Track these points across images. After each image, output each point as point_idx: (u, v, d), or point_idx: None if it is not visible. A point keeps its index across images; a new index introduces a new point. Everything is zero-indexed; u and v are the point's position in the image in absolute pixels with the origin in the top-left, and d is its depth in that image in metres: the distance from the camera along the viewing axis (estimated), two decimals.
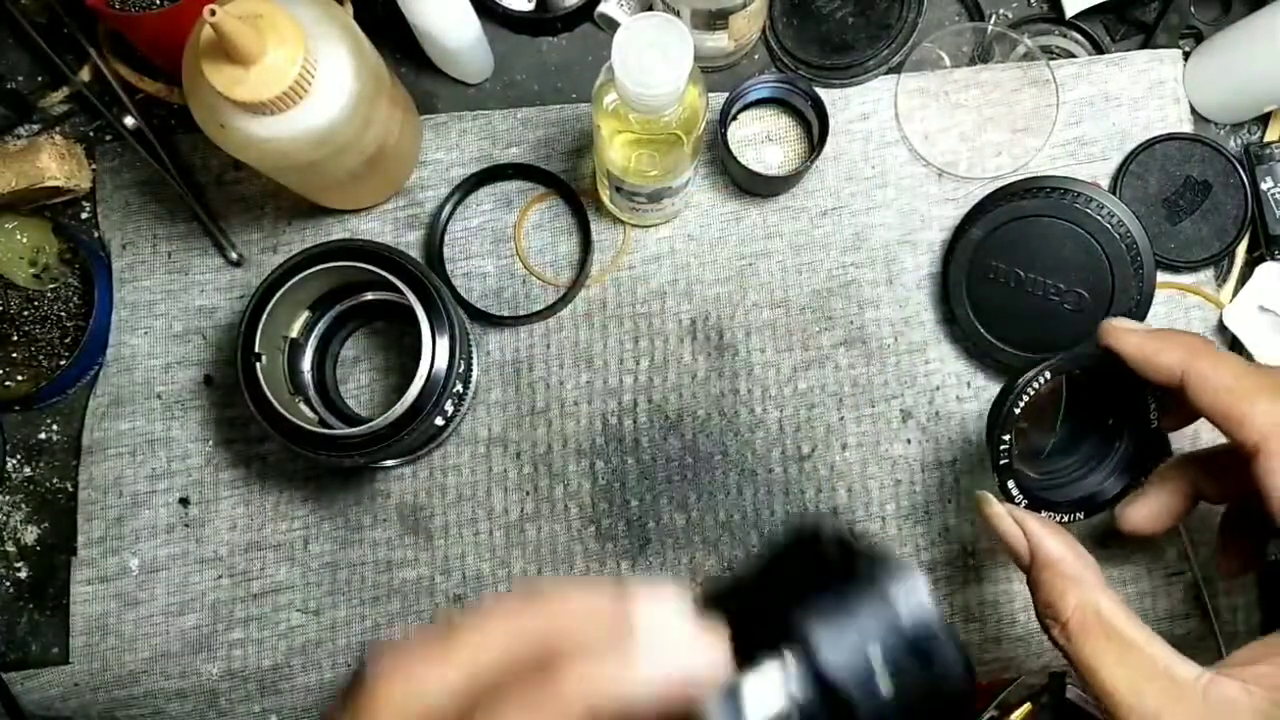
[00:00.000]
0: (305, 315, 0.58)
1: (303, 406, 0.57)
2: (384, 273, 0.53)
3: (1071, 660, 0.36)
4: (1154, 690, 0.33)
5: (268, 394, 0.52)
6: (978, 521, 0.48)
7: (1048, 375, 0.43)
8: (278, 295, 0.53)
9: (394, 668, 0.23)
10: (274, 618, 0.61)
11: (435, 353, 0.53)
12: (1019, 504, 0.44)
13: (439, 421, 0.55)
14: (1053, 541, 0.39)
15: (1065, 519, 0.46)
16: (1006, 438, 0.44)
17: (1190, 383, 0.38)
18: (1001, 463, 0.44)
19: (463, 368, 0.55)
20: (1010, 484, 0.45)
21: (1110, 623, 0.36)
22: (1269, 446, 0.35)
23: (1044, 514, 0.44)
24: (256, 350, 0.53)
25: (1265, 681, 0.32)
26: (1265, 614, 0.60)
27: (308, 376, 0.59)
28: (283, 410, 0.52)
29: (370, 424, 0.52)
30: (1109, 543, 0.59)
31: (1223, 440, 0.40)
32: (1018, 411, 0.43)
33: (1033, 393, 0.43)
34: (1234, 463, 0.41)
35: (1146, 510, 0.45)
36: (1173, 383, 0.39)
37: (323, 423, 0.58)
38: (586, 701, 0.21)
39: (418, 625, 0.61)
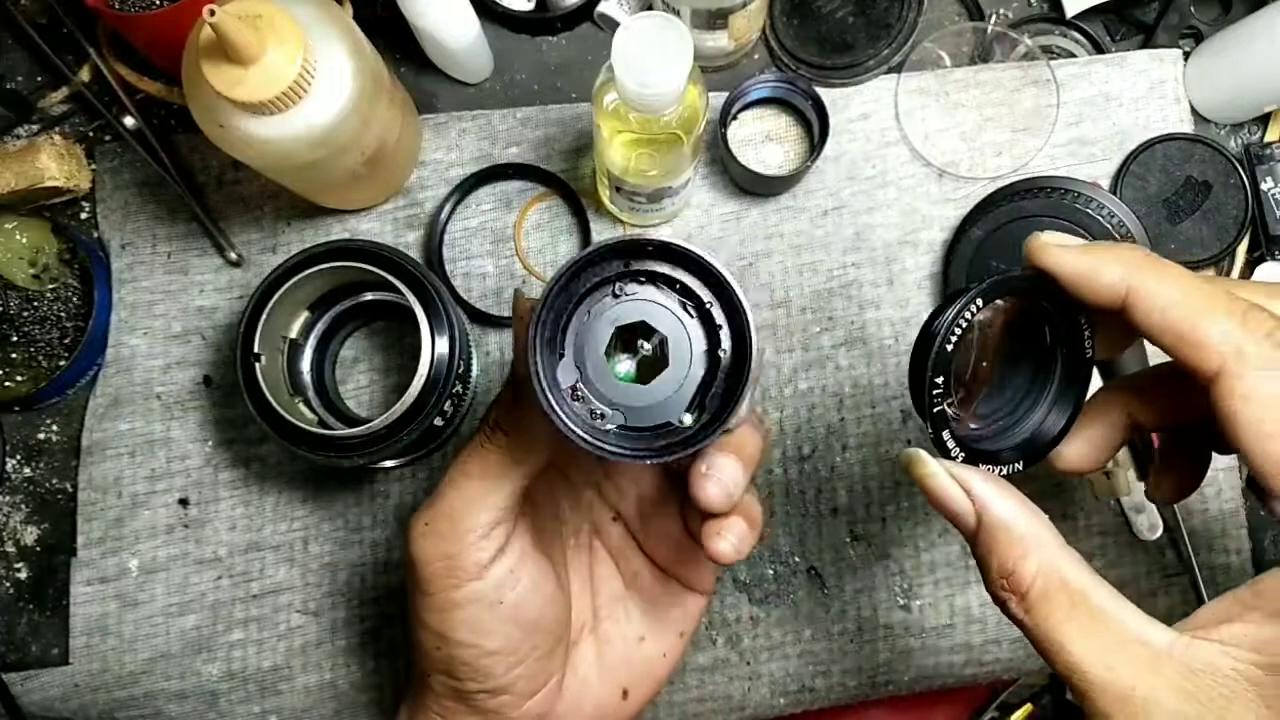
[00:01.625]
0: (304, 315, 0.58)
1: (302, 407, 0.57)
2: (383, 273, 0.53)
3: (1032, 634, 0.33)
4: (1127, 661, 0.30)
5: (267, 395, 0.52)
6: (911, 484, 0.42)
7: (978, 304, 0.36)
8: (277, 295, 0.53)
9: None
10: (274, 619, 0.61)
11: (435, 353, 0.53)
12: (956, 459, 0.37)
13: (438, 422, 0.55)
14: (1003, 500, 0.34)
15: (1006, 471, 0.39)
16: (940, 380, 0.36)
17: (1135, 302, 0.33)
18: (935, 410, 0.37)
19: (462, 368, 0.55)
20: (946, 436, 0.37)
21: (1075, 588, 0.32)
22: (1230, 368, 0.31)
23: (984, 468, 0.37)
24: (256, 351, 0.53)
25: (1244, 642, 0.30)
26: None
27: (307, 377, 0.59)
28: (282, 411, 0.52)
29: (370, 424, 0.52)
30: (1105, 547, 0.59)
31: (1162, 361, 0.36)
32: (949, 349, 0.36)
33: (964, 325, 0.36)
34: (1176, 387, 0.38)
35: (1081, 446, 0.41)
36: (1114, 303, 0.34)
37: (322, 423, 0.58)
38: None
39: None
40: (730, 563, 0.39)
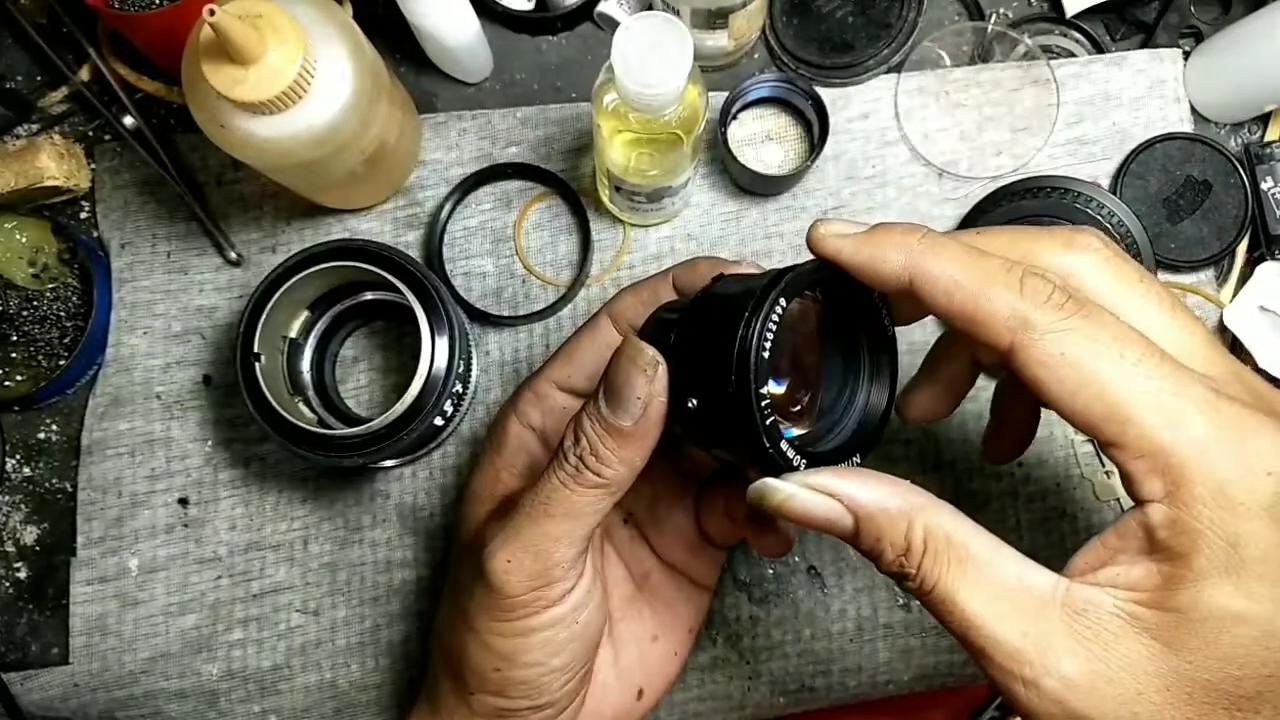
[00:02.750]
0: (304, 315, 0.58)
1: (302, 407, 0.57)
2: (383, 272, 0.53)
3: (930, 599, 0.32)
4: (1014, 612, 0.30)
5: (267, 394, 0.52)
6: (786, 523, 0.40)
7: (783, 305, 0.34)
8: (277, 295, 0.53)
9: None
10: (274, 618, 0.61)
11: (435, 353, 0.53)
12: (798, 468, 0.35)
13: (438, 422, 0.55)
14: (867, 487, 0.33)
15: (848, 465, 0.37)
16: (765, 391, 0.33)
17: (919, 289, 0.33)
18: (768, 423, 0.33)
19: (462, 368, 0.55)
20: (785, 448, 0.34)
21: (958, 543, 0.32)
22: (1020, 340, 0.31)
23: (834, 467, 0.35)
24: (256, 350, 0.53)
25: (1119, 581, 0.30)
26: None
27: (307, 376, 0.59)
28: (282, 410, 0.52)
29: (369, 424, 0.52)
30: None
31: None
32: (766, 356, 0.33)
33: (774, 329, 0.34)
34: None
35: (930, 395, 0.41)
36: (901, 289, 0.34)
37: (322, 423, 0.58)
38: None
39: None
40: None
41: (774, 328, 0.33)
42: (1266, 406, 0.31)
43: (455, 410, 0.57)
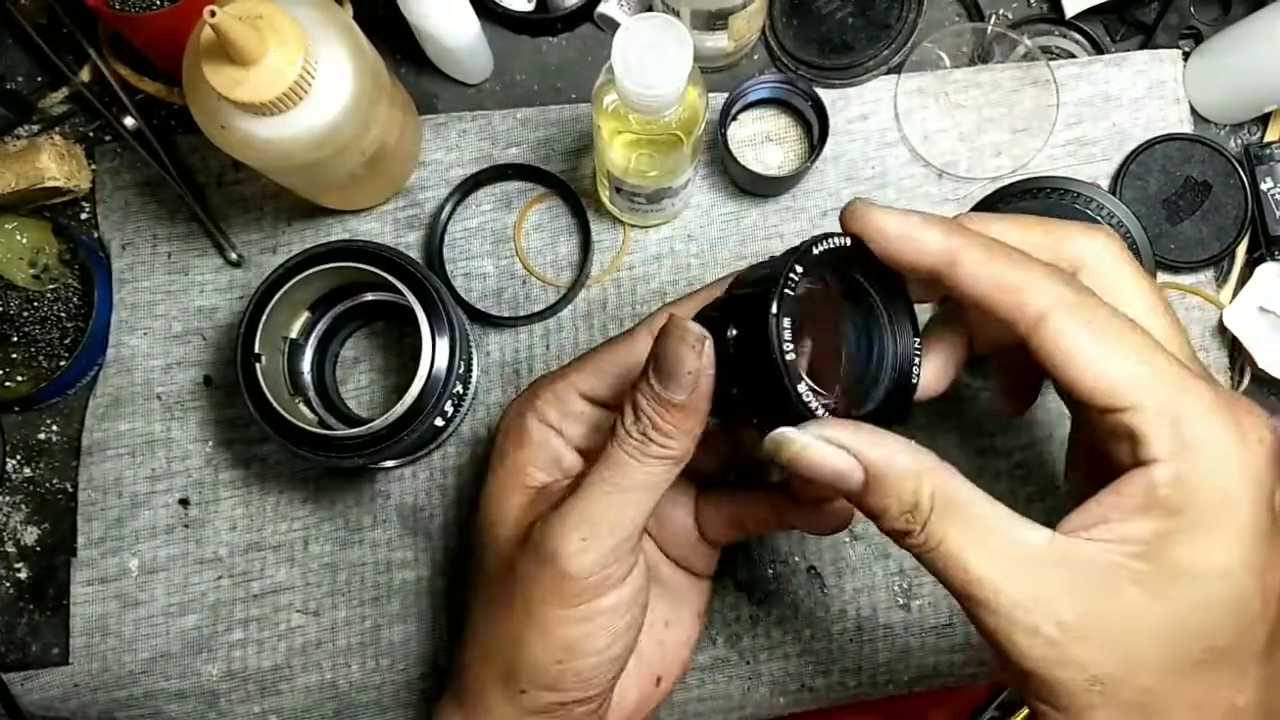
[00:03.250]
0: (305, 316, 0.58)
1: (302, 407, 0.57)
2: (384, 273, 0.53)
3: (933, 559, 0.33)
4: (1013, 565, 0.32)
5: (267, 395, 0.52)
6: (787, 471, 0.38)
7: (797, 270, 0.35)
8: (277, 296, 0.53)
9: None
10: (274, 618, 0.61)
11: (435, 353, 0.53)
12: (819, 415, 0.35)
13: (439, 422, 0.55)
14: (876, 445, 0.34)
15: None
16: (788, 346, 0.34)
17: (957, 262, 0.35)
18: (792, 374, 0.34)
19: (463, 369, 0.55)
20: (808, 397, 0.34)
21: (962, 502, 0.33)
22: (1054, 309, 0.33)
23: (847, 421, 0.35)
24: (256, 351, 0.53)
25: (1113, 537, 0.32)
26: None
27: (307, 377, 0.59)
28: (282, 411, 0.52)
29: (370, 425, 0.52)
30: None
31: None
32: (787, 321, 0.34)
33: (793, 289, 0.35)
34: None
35: (933, 371, 0.42)
36: (935, 266, 0.35)
37: (322, 423, 0.58)
38: None
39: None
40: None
41: (792, 289, 0.35)
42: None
43: (456, 411, 0.57)
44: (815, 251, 0.36)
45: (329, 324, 0.59)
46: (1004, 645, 0.33)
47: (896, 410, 0.38)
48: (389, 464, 0.60)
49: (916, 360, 0.39)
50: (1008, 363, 0.46)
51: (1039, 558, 0.33)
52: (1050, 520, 0.34)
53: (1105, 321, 0.33)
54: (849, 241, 0.37)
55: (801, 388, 0.34)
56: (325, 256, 0.54)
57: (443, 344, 0.53)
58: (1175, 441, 0.32)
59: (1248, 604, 0.32)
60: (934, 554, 0.33)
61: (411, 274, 0.53)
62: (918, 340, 0.39)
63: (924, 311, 0.40)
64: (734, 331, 0.37)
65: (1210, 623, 0.32)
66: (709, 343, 0.37)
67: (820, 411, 0.35)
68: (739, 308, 0.37)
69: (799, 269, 0.35)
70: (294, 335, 0.58)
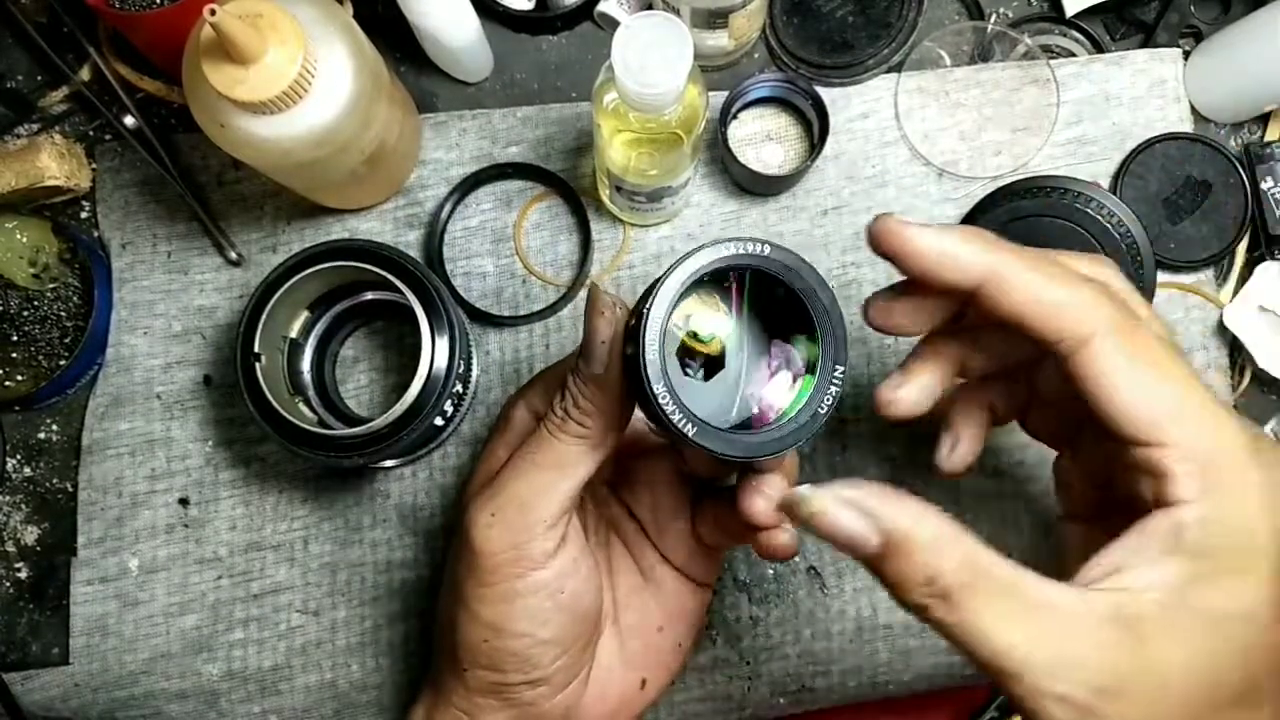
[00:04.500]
0: (305, 315, 0.58)
1: (302, 407, 0.57)
2: (383, 272, 0.53)
3: (955, 632, 0.31)
4: (1043, 632, 0.31)
5: (267, 394, 0.52)
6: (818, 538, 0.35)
7: (676, 282, 0.34)
8: (277, 295, 0.53)
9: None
10: (274, 618, 0.61)
11: (435, 353, 0.53)
12: (683, 428, 0.33)
13: (438, 422, 0.55)
14: (903, 509, 0.32)
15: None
16: (654, 354, 0.33)
17: (999, 279, 0.34)
18: (653, 380, 0.33)
19: (462, 368, 0.55)
20: (664, 400, 0.33)
21: (992, 574, 0.31)
22: (1101, 331, 0.32)
23: (864, 482, 0.33)
24: (256, 350, 0.53)
25: (1138, 583, 0.32)
26: None
27: (307, 376, 0.59)
28: (282, 411, 0.52)
29: (370, 424, 0.52)
30: None
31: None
32: (660, 323, 0.34)
33: (674, 297, 0.34)
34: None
35: (915, 390, 0.40)
36: (972, 282, 0.34)
37: (322, 423, 0.58)
38: None
39: None
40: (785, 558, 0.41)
41: (673, 296, 0.34)
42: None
43: (455, 410, 0.57)
44: (695, 269, 0.34)
45: (329, 323, 0.59)
46: (1035, 713, 0.31)
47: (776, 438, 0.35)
48: (389, 463, 0.60)
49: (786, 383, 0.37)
50: (968, 411, 0.44)
51: (1065, 618, 0.31)
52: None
53: (1151, 349, 0.33)
54: (737, 252, 0.35)
55: (669, 409, 0.33)
56: (325, 255, 0.53)
57: (442, 343, 0.53)
58: (1204, 482, 0.31)
59: (1273, 642, 0.32)
60: (955, 626, 0.31)
61: (411, 273, 0.53)
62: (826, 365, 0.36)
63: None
64: (629, 350, 0.36)
65: (1238, 665, 0.31)
66: (621, 310, 0.36)
67: (689, 430, 0.33)
68: (632, 324, 0.36)
69: (674, 280, 0.34)
70: (294, 335, 0.57)
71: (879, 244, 0.36)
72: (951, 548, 0.32)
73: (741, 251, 0.34)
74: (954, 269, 0.35)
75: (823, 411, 0.34)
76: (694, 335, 0.36)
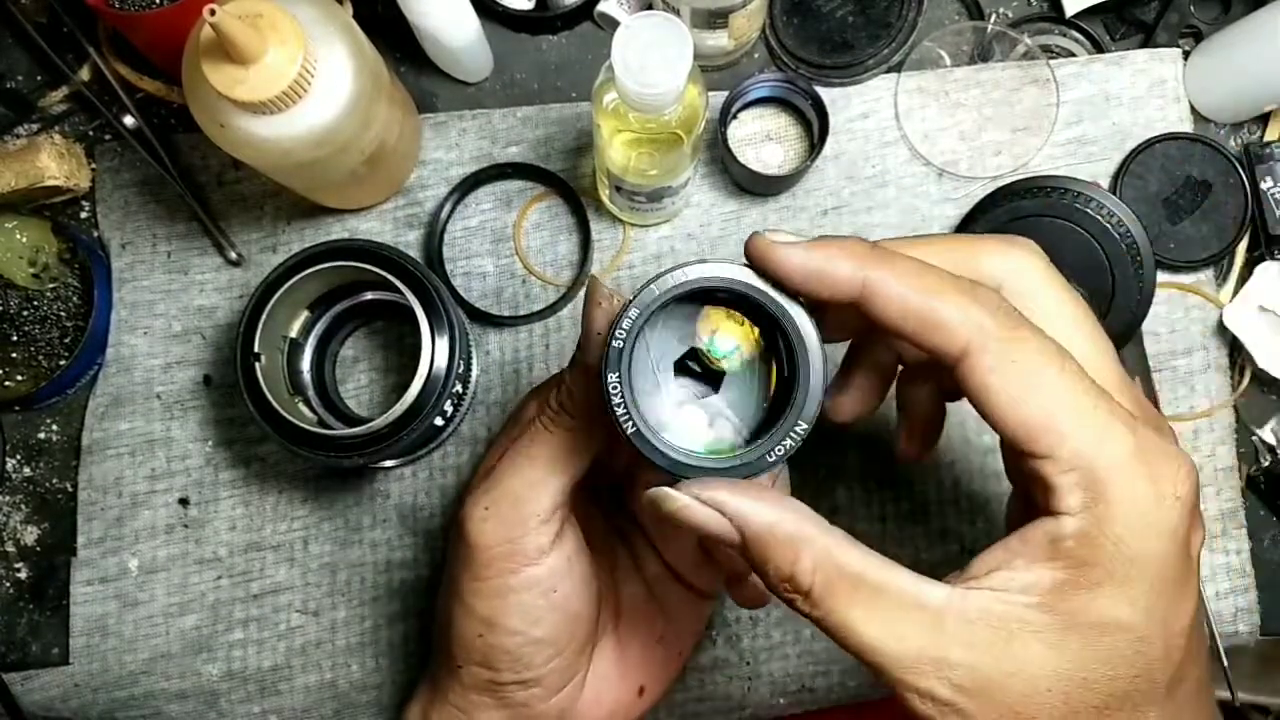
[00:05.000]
0: (304, 315, 0.58)
1: (302, 407, 0.57)
2: (383, 273, 0.53)
3: (823, 625, 0.33)
4: (910, 628, 0.32)
5: (267, 394, 0.52)
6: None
7: (634, 311, 0.34)
8: (277, 295, 0.53)
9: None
10: (274, 618, 0.61)
11: (435, 353, 0.53)
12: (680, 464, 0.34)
13: (438, 422, 0.55)
14: (759, 508, 0.33)
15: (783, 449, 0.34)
16: (614, 378, 0.34)
17: (871, 295, 0.33)
18: (615, 401, 0.34)
19: (462, 368, 0.55)
20: (622, 414, 0.34)
21: (852, 573, 0.32)
22: (975, 344, 0.32)
23: (729, 481, 0.34)
24: (256, 350, 0.53)
25: (1013, 586, 0.32)
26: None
27: (307, 376, 0.59)
28: (282, 411, 0.52)
29: (370, 424, 0.52)
30: None
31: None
32: (619, 345, 0.34)
33: (631, 320, 0.34)
34: None
35: (855, 394, 0.41)
36: (849, 298, 0.33)
37: (322, 423, 0.58)
38: None
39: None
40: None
41: (630, 321, 0.34)
42: (1153, 421, 0.34)
43: (455, 410, 0.57)
44: (658, 293, 0.34)
45: (328, 323, 0.59)
46: (902, 703, 0.32)
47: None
48: (388, 463, 0.60)
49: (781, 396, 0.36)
50: (915, 399, 0.43)
51: (934, 616, 0.32)
52: None
53: (1029, 356, 0.32)
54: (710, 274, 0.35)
55: (615, 401, 0.34)
56: (325, 256, 0.53)
57: (442, 343, 0.53)
58: (1086, 495, 0.31)
59: (1148, 652, 0.31)
60: (820, 620, 0.33)
61: (411, 273, 0.53)
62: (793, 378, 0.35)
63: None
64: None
65: (1109, 673, 0.31)
66: (619, 300, 0.36)
67: (627, 426, 0.34)
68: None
69: (633, 311, 0.34)
70: (293, 334, 0.57)
71: (752, 262, 0.35)
72: (807, 547, 0.33)
73: (752, 283, 0.34)
74: (825, 285, 0.33)
75: (770, 460, 0.34)
76: (709, 348, 0.36)
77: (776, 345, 0.36)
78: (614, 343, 0.34)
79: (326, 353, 0.60)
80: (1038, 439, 0.31)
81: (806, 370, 0.34)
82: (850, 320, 0.37)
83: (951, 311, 0.32)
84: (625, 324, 0.34)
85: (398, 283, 0.53)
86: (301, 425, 0.52)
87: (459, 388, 0.55)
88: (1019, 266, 0.35)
